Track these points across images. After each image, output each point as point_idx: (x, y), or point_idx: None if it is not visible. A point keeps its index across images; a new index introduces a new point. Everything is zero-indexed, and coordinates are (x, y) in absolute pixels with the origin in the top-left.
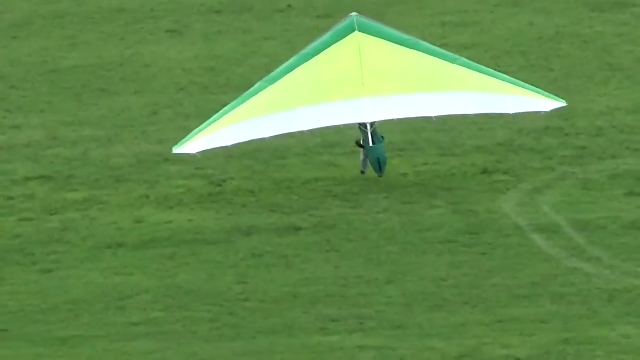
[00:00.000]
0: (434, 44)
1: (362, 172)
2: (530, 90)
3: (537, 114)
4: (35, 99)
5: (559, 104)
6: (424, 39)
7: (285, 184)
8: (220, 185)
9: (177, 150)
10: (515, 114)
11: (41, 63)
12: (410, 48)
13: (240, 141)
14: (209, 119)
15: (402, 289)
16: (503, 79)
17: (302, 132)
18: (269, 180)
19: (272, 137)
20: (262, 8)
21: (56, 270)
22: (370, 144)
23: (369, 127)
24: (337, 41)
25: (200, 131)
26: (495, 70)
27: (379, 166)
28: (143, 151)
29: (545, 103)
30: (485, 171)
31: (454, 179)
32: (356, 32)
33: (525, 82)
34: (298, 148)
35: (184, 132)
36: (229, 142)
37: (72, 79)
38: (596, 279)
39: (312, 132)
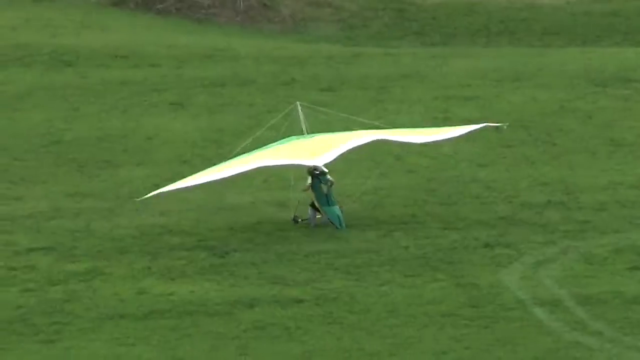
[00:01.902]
0: (436, 118)
1: (296, 221)
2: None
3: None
4: (38, 171)
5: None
6: (428, 112)
7: (288, 256)
8: (222, 257)
9: (140, 199)
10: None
11: (44, 135)
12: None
13: (202, 182)
14: (211, 191)
15: None
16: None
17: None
18: (271, 253)
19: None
20: (266, 81)
21: (58, 340)
22: (328, 205)
23: (324, 188)
24: (277, 141)
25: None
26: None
27: (339, 222)
28: (145, 223)
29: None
30: (487, 245)
31: (456, 253)
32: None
33: (528, 156)
34: None
35: (186, 203)
36: (189, 184)
37: (75, 151)
38: (598, 353)
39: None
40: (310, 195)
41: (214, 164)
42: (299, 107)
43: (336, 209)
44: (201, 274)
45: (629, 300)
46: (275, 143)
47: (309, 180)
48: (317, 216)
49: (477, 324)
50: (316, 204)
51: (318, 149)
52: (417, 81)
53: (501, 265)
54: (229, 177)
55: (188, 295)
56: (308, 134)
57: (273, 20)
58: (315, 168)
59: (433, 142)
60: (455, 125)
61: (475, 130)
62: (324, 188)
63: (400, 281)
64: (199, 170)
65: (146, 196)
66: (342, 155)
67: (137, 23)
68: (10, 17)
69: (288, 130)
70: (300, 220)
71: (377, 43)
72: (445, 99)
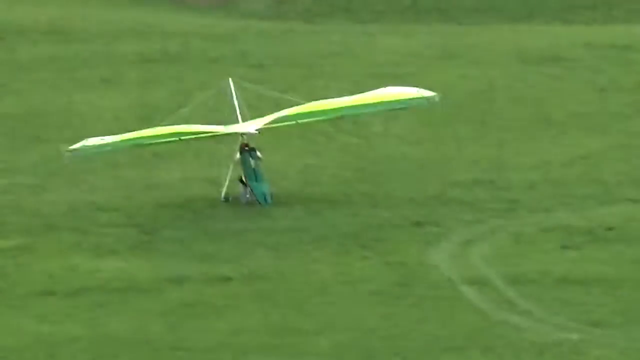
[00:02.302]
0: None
1: (226, 199)
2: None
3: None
4: None
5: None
6: (358, 89)
7: (216, 233)
8: (151, 234)
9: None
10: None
11: None
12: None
13: (128, 137)
14: (141, 167)
15: (333, 339)
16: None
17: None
18: (200, 230)
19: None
20: (196, 57)
21: None
22: (256, 181)
23: (251, 162)
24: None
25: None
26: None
27: (265, 199)
28: (75, 199)
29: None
30: (416, 223)
31: (385, 231)
32: None
33: (458, 134)
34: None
35: (117, 180)
36: (116, 138)
37: (4, 126)
38: (526, 332)
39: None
40: (239, 171)
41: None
42: (231, 83)
43: (263, 185)
44: (130, 251)
45: (557, 279)
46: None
47: (238, 155)
48: (247, 194)
49: (405, 302)
50: (244, 179)
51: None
52: (347, 58)
53: (430, 244)
54: (155, 135)
55: (117, 272)
56: (239, 111)
57: None
58: (246, 144)
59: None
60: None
61: (409, 97)
62: (252, 163)
63: (329, 259)
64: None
65: (74, 146)
66: (270, 122)
67: None
68: None
69: (218, 106)
70: (230, 198)
71: (306, 20)
72: (375, 77)
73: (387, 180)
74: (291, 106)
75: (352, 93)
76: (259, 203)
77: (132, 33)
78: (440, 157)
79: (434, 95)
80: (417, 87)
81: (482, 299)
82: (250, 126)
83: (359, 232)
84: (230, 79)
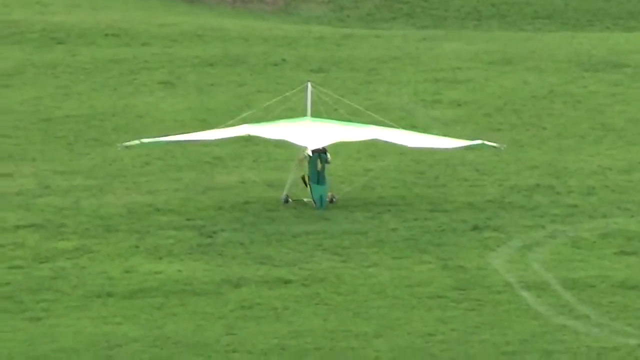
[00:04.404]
0: (426, 100)
1: (286, 201)
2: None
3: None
4: (27, 148)
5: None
6: (418, 95)
7: (276, 236)
8: (210, 237)
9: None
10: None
11: (33, 112)
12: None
13: (188, 139)
14: (201, 171)
15: (391, 343)
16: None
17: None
18: (259, 233)
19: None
20: (256, 61)
21: (45, 318)
22: (317, 183)
23: (318, 165)
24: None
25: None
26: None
27: (320, 203)
28: (134, 201)
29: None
30: (475, 227)
31: (444, 235)
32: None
33: (517, 140)
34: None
35: (176, 183)
36: (176, 138)
37: (65, 129)
38: (585, 337)
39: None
40: (304, 170)
41: (204, 145)
42: (309, 87)
43: (322, 189)
44: (189, 253)
45: (615, 284)
46: (287, 120)
47: (309, 152)
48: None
49: (464, 307)
50: (306, 178)
51: (319, 135)
52: (408, 63)
53: (489, 248)
54: (218, 139)
55: (175, 274)
56: (311, 115)
57: (264, 1)
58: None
59: (425, 148)
60: (443, 136)
61: (471, 146)
62: (319, 165)
63: (388, 263)
64: (187, 150)
65: (129, 143)
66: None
67: (128, 1)
68: None
69: (286, 107)
70: (290, 200)
71: (367, 24)
72: (435, 82)
73: (446, 184)
74: (353, 111)
75: (412, 98)
76: (314, 205)
77: (192, 36)
78: (499, 162)
79: (500, 145)
80: (479, 92)
81: (540, 304)
82: (311, 142)
83: (418, 235)
84: (309, 83)
